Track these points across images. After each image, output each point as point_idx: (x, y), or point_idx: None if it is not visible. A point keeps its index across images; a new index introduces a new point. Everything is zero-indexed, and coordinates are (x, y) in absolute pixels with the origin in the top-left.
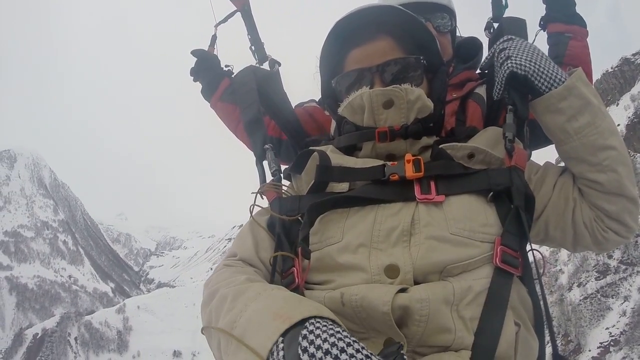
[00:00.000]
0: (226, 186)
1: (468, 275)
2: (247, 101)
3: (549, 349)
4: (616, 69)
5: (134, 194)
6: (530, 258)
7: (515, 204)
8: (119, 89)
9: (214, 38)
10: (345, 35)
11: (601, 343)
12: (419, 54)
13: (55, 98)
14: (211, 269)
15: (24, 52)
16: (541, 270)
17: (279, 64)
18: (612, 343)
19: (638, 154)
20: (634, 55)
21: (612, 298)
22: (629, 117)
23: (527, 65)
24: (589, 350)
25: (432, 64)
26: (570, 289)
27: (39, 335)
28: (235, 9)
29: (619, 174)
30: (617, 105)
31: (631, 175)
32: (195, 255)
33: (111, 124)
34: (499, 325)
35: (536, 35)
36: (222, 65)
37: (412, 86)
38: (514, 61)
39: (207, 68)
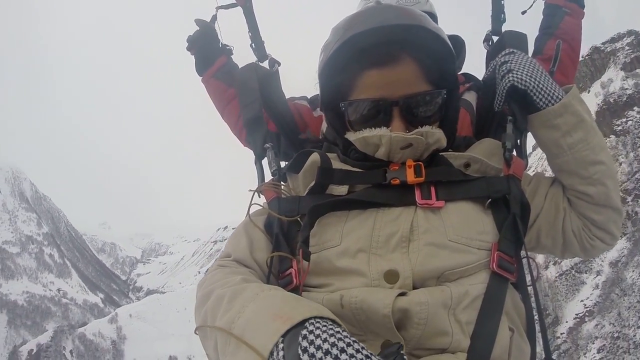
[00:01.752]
0: (209, 188)
1: (465, 280)
2: (249, 99)
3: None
4: (587, 57)
5: (115, 202)
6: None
7: (512, 212)
8: (97, 95)
9: (213, 18)
10: (362, 48)
11: (577, 314)
12: (442, 84)
13: (31, 109)
14: (199, 272)
15: None
16: (535, 277)
17: (279, 64)
18: (587, 314)
19: (607, 138)
20: (603, 44)
21: (586, 273)
22: (598, 104)
23: (528, 80)
24: (566, 322)
25: (450, 94)
26: (546, 267)
27: (34, 351)
28: (237, 3)
29: (607, 187)
30: (588, 93)
31: (617, 188)
32: (182, 259)
33: (88, 131)
34: (494, 330)
35: (534, 2)
36: (220, 44)
37: (432, 127)
38: (515, 75)
39: (206, 41)
